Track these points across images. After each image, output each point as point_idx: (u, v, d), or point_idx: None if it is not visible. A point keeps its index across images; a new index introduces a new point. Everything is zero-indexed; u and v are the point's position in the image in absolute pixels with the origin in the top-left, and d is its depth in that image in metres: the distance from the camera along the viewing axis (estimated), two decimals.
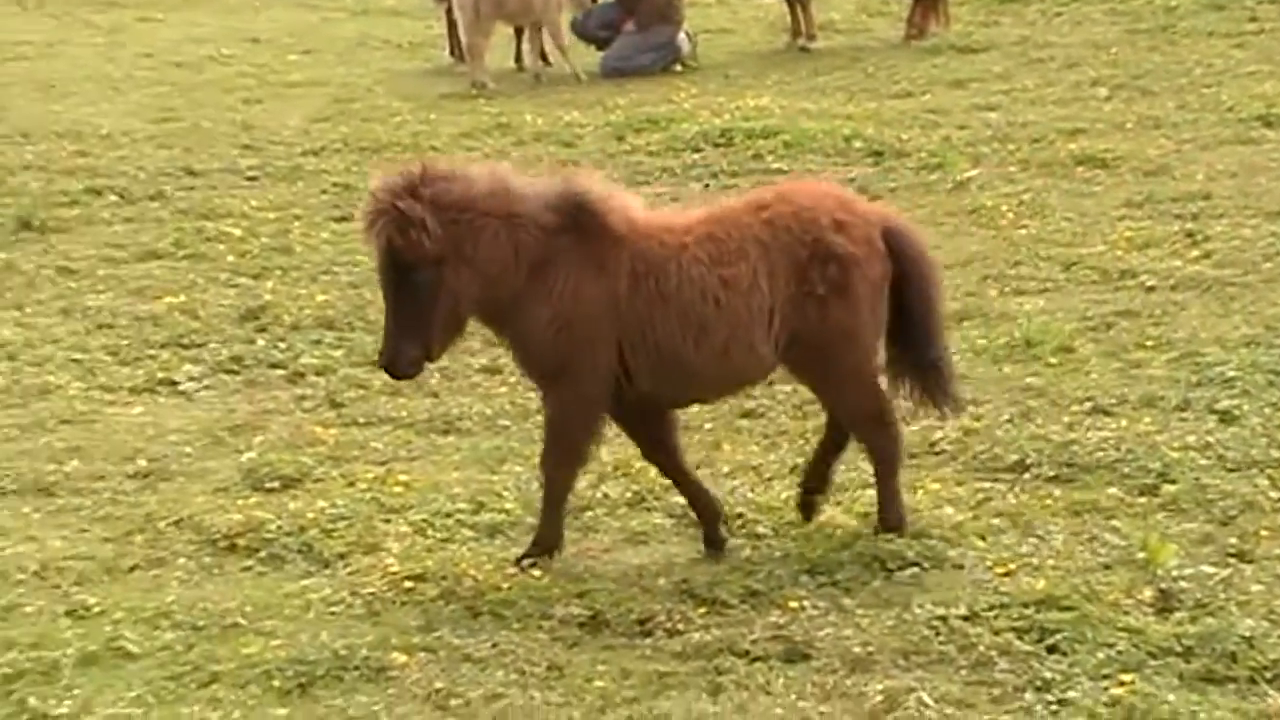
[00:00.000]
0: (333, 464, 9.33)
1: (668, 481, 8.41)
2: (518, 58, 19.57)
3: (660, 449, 8.27)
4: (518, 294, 7.86)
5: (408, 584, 7.87)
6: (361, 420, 10.00)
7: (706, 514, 8.24)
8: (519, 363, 8.23)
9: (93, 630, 7.48)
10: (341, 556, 8.23)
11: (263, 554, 8.29)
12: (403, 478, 8.98)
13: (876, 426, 8.14)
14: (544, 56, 19.17)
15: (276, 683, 7.03)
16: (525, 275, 7.84)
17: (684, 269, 7.90)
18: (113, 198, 14.20)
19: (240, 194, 14.45)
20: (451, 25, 19.48)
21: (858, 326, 8.00)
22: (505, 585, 7.77)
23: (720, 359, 7.96)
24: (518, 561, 8.01)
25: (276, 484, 9.06)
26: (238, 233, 13.27)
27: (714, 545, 8.17)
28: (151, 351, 11.04)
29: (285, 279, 12.32)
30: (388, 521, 8.53)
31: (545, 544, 8.05)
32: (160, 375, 10.64)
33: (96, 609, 7.72)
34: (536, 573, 7.86)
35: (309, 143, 16.03)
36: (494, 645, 7.26)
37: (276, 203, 14.15)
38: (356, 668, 7.13)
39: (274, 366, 10.81)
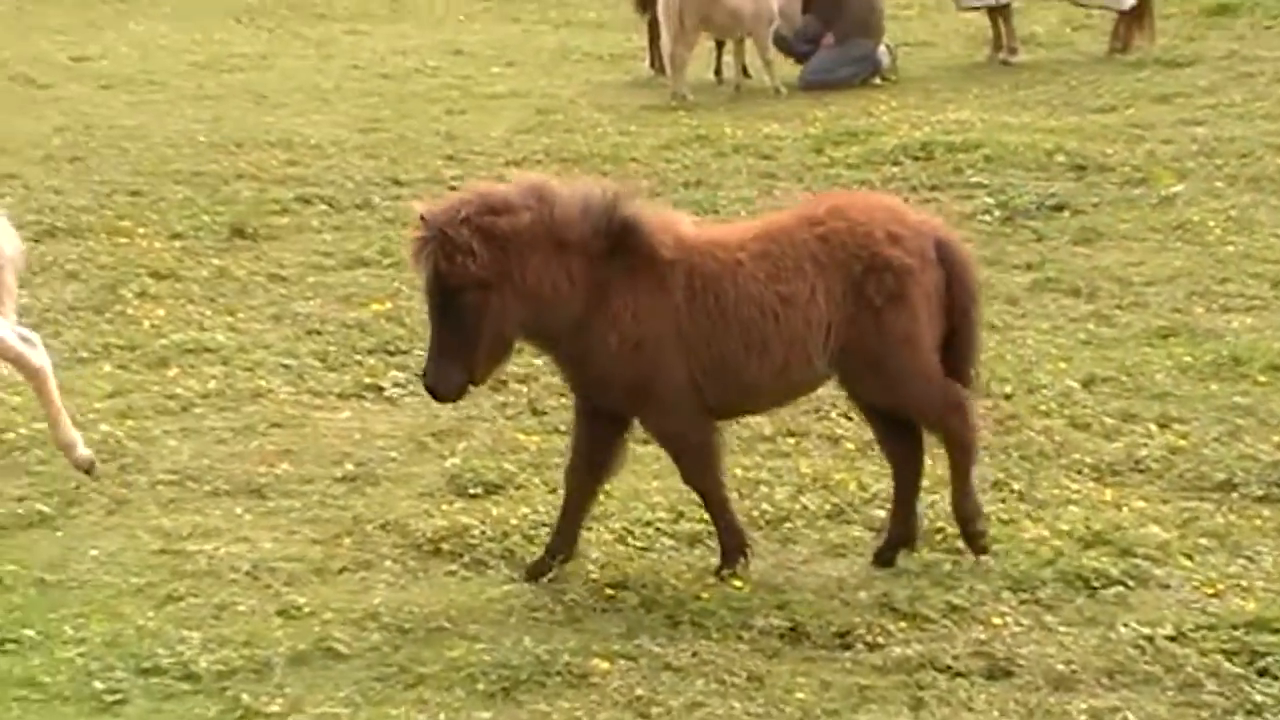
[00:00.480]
0: (534, 471, 9.43)
1: (867, 494, 8.39)
2: (717, 70, 19.63)
3: (590, 472, 8.32)
4: (578, 320, 7.91)
5: (609, 591, 7.94)
6: (563, 428, 10.06)
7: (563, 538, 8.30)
8: (593, 386, 8.16)
9: (303, 630, 7.65)
10: None
11: (466, 559, 8.41)
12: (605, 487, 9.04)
13: (953, 413, 8.13)
14: (744, 69, 19.22)
15: (481, 686, 7.14)
16: (583, 301, 7.89)
17: (741, 286, 7.95)
18: (322, 206, 14.46)
19: None
20: (653, 38, 19.59)
21: (916, 331, 8.02)
22: (705, 595, 7.82)
23: (780, 374, 8.04)
24: (717, 572, 8.06)
25: (479, 490, 9.18)
26: None
27: (719, 572, 8.19)
28: (358, 357, 11.23)
29: None
30: (588, 529, 8.60)
31: (734, 549, 8.11)
32: (367, 381, 10.81)
33: (306, 609, 7.88)
34: (738, 583, 7.89)
35: (511, 153, 16.21)
36: (694, 654, 7.31)
37: None
38: (558, 673, 7.21)
39: None
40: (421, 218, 7.83)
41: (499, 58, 20.33)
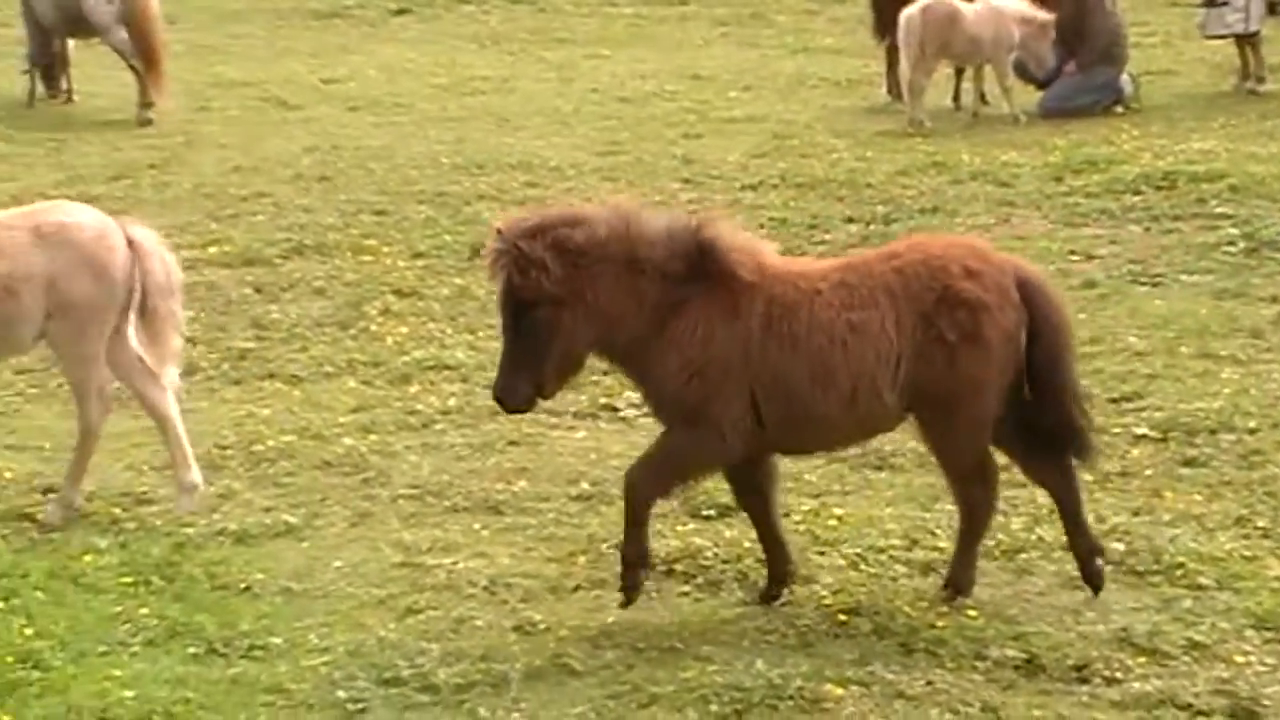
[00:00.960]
0: None
1: (1105, 526, 8.27)
2: (955, 96, 19.51)
3: (754, 495, 8.30)
4: (643, 339, 7.90)
5: (841, 617, 7.94)
6: None
7: (777, 573, 8.24)
8: (651, 406, 8.24)
9: (539, 646, 7.76)
10: None
11: (700, 580, 8.47)
12: (836, 511, 9.05)
13: (978, 483, 8.04)
14: (982, 95, 19.08)
15: (714, 707, 7.17)
16: (649, 321, 7.87)
17: (815, 314, 7.88)
18: None
19: None
20: (891, 63, 19.53)
21: (987, 375, 7.85)
22: (940, 623, 7.78)
23: (847, 406, 7.90)
24: (621, 589, 8.06)
25: (713, 512, 9.22)
26: None
27: (767, 600, 8.18)
28: (594, 377, 11.29)
29: None
30: (821, 554, 8.62)
31: (629, 559, 8.06)
32: (602, 401, 10.92)
33: (542, 625, 8.00)
34: (972, 612, 7.84)
35: (747, 177, 16.26)
36: (928, 683, 7.28)
37: None
38: (790, 697, 7.22)
39: None
40: (498, 231, 7.92)
41: (736, 82, 20.39)
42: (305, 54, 22.55)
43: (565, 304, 7.76)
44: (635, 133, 18.16)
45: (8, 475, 9.73)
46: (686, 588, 8.42)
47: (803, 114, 18.95)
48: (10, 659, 7.48)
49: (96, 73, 19.62)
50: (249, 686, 7.39)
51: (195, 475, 9.39)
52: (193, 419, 10.48)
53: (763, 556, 8.41)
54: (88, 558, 8.59)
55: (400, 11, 24.87)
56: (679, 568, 8.56)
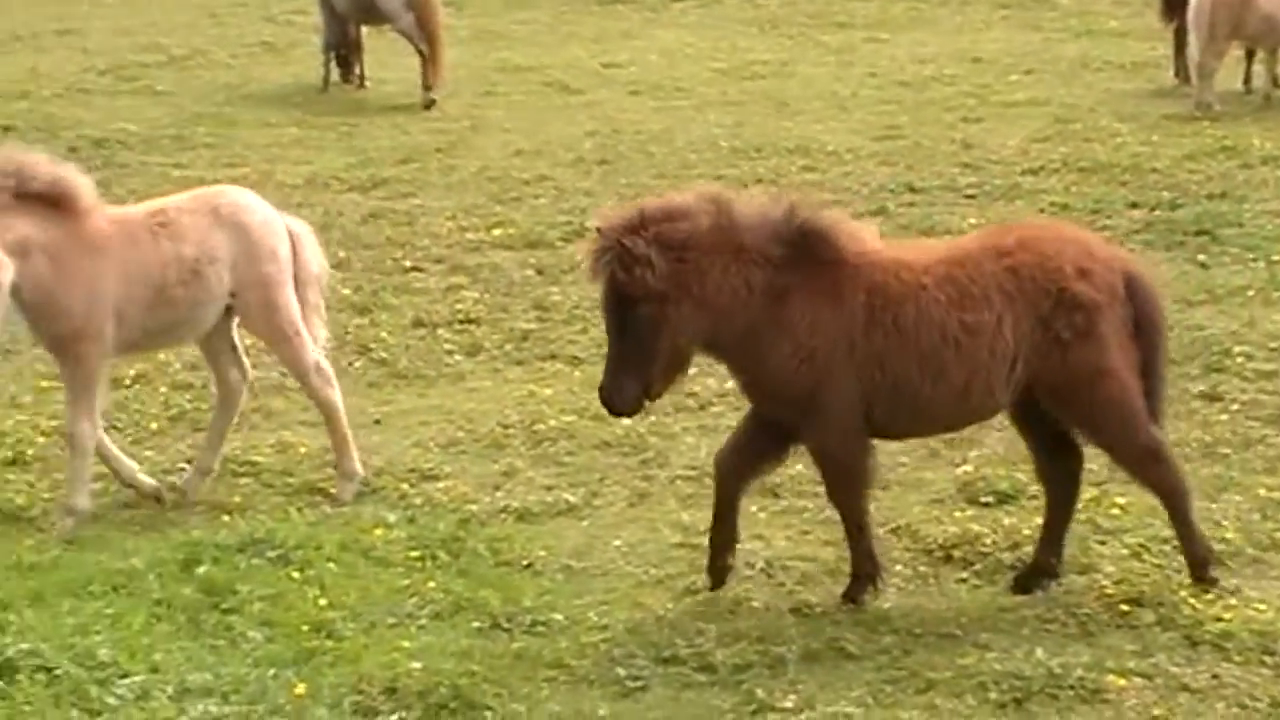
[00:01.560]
0: None
1: None
2: (1246, 79, 19.03)
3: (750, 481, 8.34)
4: (753, 327, 7.81)
5: (1123, 607, 7.86)
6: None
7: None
8: (760, 395, 8.10)
9: (815, 629, 7.80)
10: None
11: (977, 567, 8.44)
12: (1119, 500, 8.93)
13: (1151, 461, 7.94)
14: (1275, 79, 18.58)
15: (992, 695, 7.16)
16: (759, 308, 7.78)
17: (923, 309, 7.78)
18: None
19: (959, 210, 14.63)
20: (1178, 46, 19.13)
21: (1106, 363, 7.81)
22: (1226, 616, 7.65)
23: (958, 400, 7.86)
24: (844, 596, 8.03)
25: (991, 498, 9.19)
26: None
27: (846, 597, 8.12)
28: None
29: None
30: (1102, 543, 8.52)
31: (865, 576, 8.05)
32: None
33: (819, 609, 8.04)
34: (1260, 605, 7.69)
35: (1028, 162, 16.07)
36: (1214, 677, 7.18)
37: (994, 220, 14.24)
38: (1071, 687, 7.17)
39: None
40: (598, 229, 7.84)
41: (1017, 66, 20.15)
42: (588, 39, 22.81)
43: (671, 300, 7.70)
44: (914, 117, 18.04)
45: (302, 450, 10.04)
46: (964, 574, 8.40)
47: (1086, 98, 18.66)
48: (305, 628, 7.74)
49: (387, 59, 20.07)
50: (531, 661, 7.55)
51: (356, 464, 9.56)
52: (477, 398, 10.73)
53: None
54: (378, 531, 8.84)
55: None
56: (956, 554, 8.55)
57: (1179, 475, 8.09)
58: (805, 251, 7.83)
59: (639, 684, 7.40)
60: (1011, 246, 7.99)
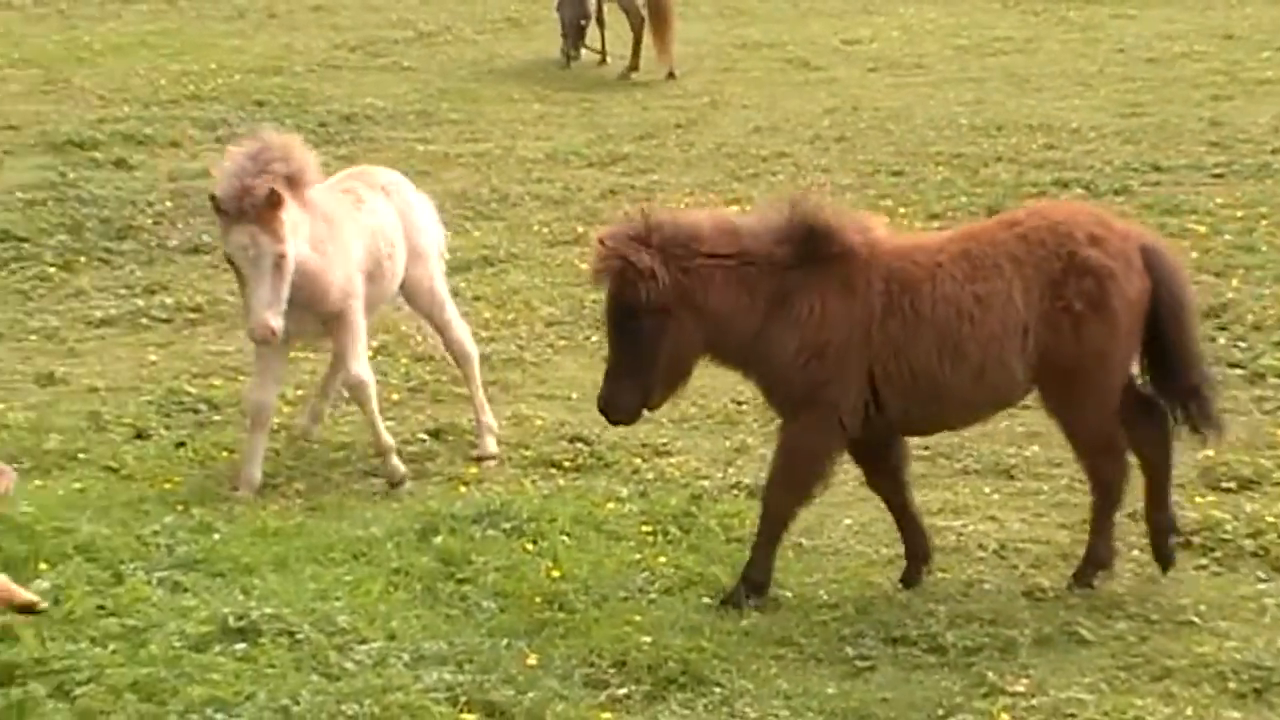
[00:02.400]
0: None
1: None
2: None
3: (887, 477, 8.15)
4: (759, 331, 7.72)
5: None
6: None
7: (917, 553, 8.11)
8: (766, 395, 8.05)
9: (1048, 613, 7.71)
10: None
11: (1218, 553, 8.29)
12: None
13: (1107, 455, 7.85)
14: None
15: (1231, 685, 7.03)
16: (764, 312, 7.69)
17: (938, 287, 7.65)
18: (1079, 190, 14.41)
19: (1205, 190, 14.34)
20: None
21: (1113, 346, 7.69)
22: None
23: (975, 381, 7.71)
24: (723, 601, 7.84)
25: (1233, 484, 9.03)
26: (1201, 229, 13.19)
27: (909, 584, 8.01)
28: None
29: (1248, 278, 12.14)
30: None
31: (753, 582, 7.87)
32: None
33: (1051, 593, 7.95)
34: None
35: (1278, 140, 15.68)
36: None
37: (1242, 200, 13.95)
38: None
39: (1233, 365, 10.70)
40: (600, 241, 7.77)
41: (1270, 42, 19.66)
42: (828, 15, 22.73)
43: (673, 312, 7.66)
44: (1160, 95, 17.70)
45: (537, 423, 10.18)
46: (1204, 561, 8.26)
47: None
48: (538, 599, 7.84)
49: (627, 35, 20.18)
50: (760, 638, 7.57)
51: (491, 417, 9.90)
52: (709, 374, 10.71)
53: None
54: (610, 505, 8.93)
55: None
56: (1196, 540, 8.39)
57: (1125, 476, 8.00)
58: (812, 249, 7.77)
59: (867, 663, 7.39)
60: (1022, 216, 7.96)
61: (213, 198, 9.01)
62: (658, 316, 7.69)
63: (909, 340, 7.75)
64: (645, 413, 8.04)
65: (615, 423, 8.19)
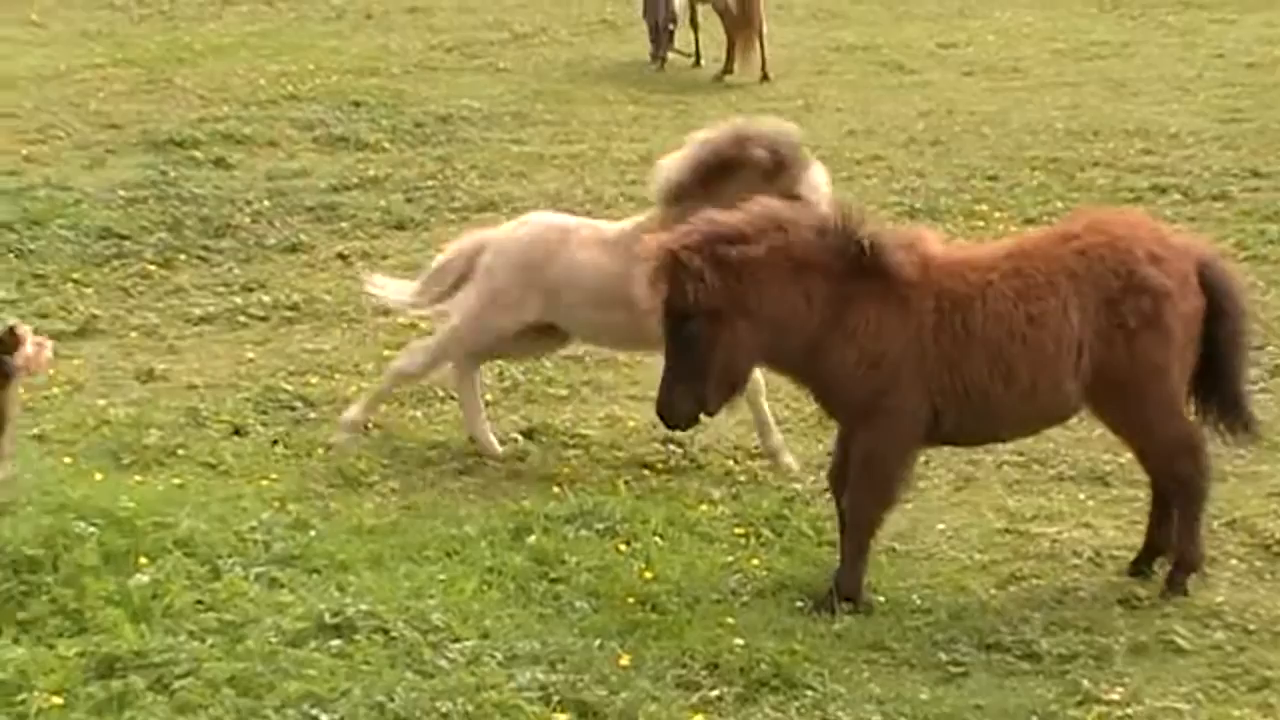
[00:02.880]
0: None
1: None
2: None
3: (843, 480, 8.11)
4: (815, 339, 7.73)
5: None
6: None
7: None
8: (824, 405, 8.09)
9: (1143, 621, 7.68)
10: None
11: None
12: None
13: (1188, 456, 7.82)
14: None
15: None
16: (821, 318, 7.70)
17: (989, 305, 7.64)
18: (1177, 196, 14.32)
19: None
20: None
21: (1168, 361, 7.68)
22: None
23: (1027, 398, 7.72)
24: (815, 607, 7.83)
25: None
26: None
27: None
28: None
29: None
30: None
31: (846, 590, 7.87)
32: None
33: (1147, 600, 7.90)
34: None
35: None
36: None
37: None
38: None
39: None
40: (654, 246, 7.75)
41: None
42: (923, 19, 22.64)
43: (725, 317, 7.66)
44: (1260, 100, 17.53)
45: (630, 424, 10.20)
46: None
47: None
48: (631, 600, 7.87)
49: (722, 36, 20.17)
50: (853, 642, 7.57)
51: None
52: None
53: None
54: (703, 507, 8.95)
55: None
56: None
57: (1208, 475, 8.00)
58: (866, 263, 7.77)
59: (961, 669, 7.37)
60: (1080, 230, 7.92)
61: None
62: (709, 321, 7.71)
63: (961, 357, 7.78)
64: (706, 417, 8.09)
65: (672, 428, 8.26)
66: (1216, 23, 21.40)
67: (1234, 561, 8.26)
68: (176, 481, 9.16)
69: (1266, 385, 10.50)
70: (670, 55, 20.23)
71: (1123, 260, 7.74)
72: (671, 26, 20.14)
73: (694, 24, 20.30)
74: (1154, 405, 7.85)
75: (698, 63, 20.32)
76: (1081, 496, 9.14)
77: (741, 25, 19.38)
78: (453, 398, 10.54)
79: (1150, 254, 7.76)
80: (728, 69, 19.64)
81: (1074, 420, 9.95)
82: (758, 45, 19.48)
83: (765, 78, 19.50)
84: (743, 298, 7.71)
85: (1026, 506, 8.99)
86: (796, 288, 7.77)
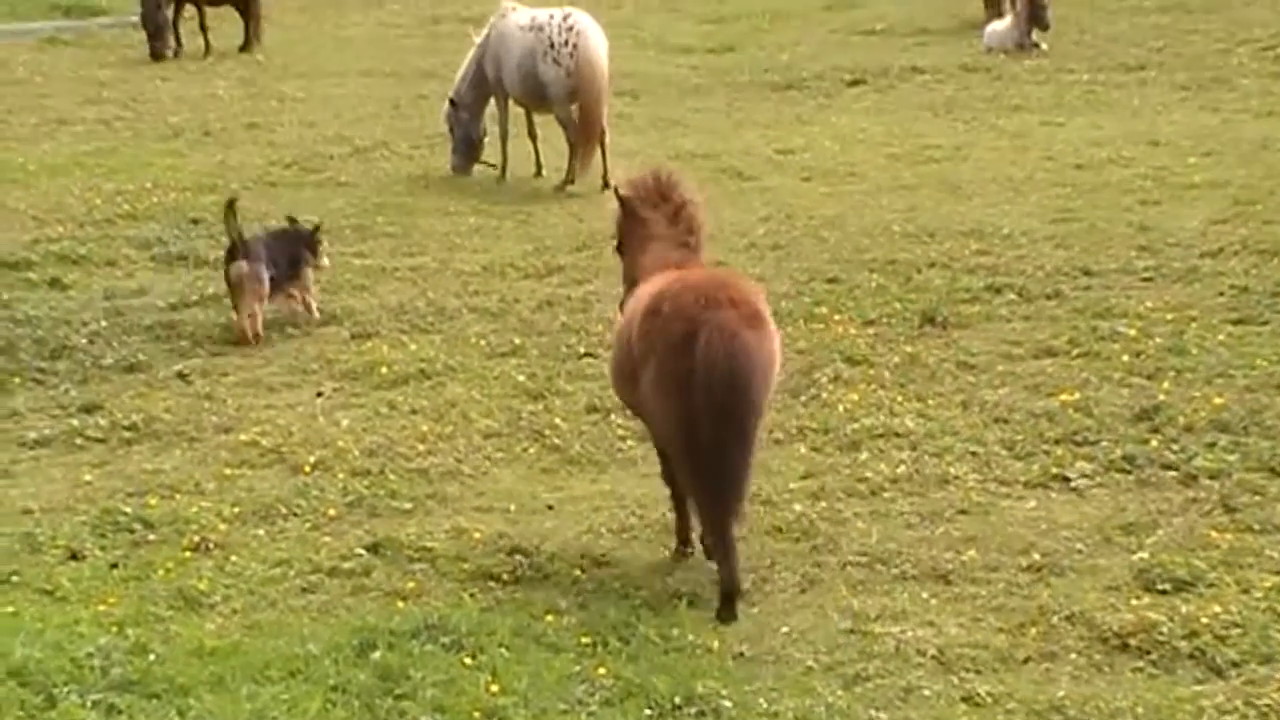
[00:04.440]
0: (1226, 569, 9.25)
1: None
2: None
3: None
4: None
5: None
6: (1257, 526, 9.85)
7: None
8: None
9: (987, 718, 7.74)
10: (1235, 665, 8.16)
11: (1154, 656, 8.34)
12: None
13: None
14: None
15: None
16: None
17: None
18: (1011, 295, 14.54)
19: (1135, 294, 14.48)
20: None
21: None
22: None
23: None
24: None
25: (1168, 586, 9.07)
26: (1132, 332, 13.32)
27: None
28: (1045, 446, 11.25)
29: (1180, 380, 12.27)
30: None
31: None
32: (1053, 470, 10.82)
33: (989, 697, 7.98)
34: None
35: (1206, 244, 15.84)
36: None
37: (1172, 303, 14.10)
38: None
39: (1166, 467, 10.79)
40: None
41: (1196, 148, 19.90)
42: (762, 125, 22.89)
43: None
44: (1090, 200, 17.89)
45: (475, 535, 10.16)
46: (1140, 663, 8.32)
47: (1267, 180, 18.37)
48: (477, 714, 7.82)
49: (562, 146, 20.29)
50: None
51: None
52: (649, 483, 10.78)
53: (1222, 633, 8.28)
54: (549, 617, 8.92)
55: (855, 82, 24.99)
56: (1132, 642, 8.46)
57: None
58: None
59: None
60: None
61: None
62: None
63: None
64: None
65: None
66: (1046, 125, 21.83)
67: (1074, 655, 8.36)
68: (10, 609, 8.99)
69: (1102, 480, 10.69)
70: (476, 167, 20.32)
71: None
72: (482, 137, 20.26)
73: (532, 135, 20.41)
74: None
75: (539, 172, 20.42)
76: (924, 595, 9.22)
77: (583, 135, 19.51)
78: (295, 513, 10.46)
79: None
80: (569, 179, 19.76)
81: (916, 520, 10.20)
82: (599, 154, 19.61)
83: (607, 186, 19.61)
84: None
85: (871, 606, 9.05)
86: None
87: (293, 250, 14.63)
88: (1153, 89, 23.90)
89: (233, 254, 14.12)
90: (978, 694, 8.00)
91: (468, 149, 20.30)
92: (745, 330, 8.93)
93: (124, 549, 10.09)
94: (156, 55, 27.78)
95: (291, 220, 15.22)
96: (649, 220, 10.02)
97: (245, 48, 28.54)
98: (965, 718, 7.74)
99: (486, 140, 20.35)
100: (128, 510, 10.59)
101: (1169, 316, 13.68)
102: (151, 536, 10.27)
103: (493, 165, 20.29)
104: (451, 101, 20.29)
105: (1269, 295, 14.10)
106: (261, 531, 10.36)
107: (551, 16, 19.70)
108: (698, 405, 8.75)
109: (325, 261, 15.02)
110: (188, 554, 10.01)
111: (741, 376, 8.82)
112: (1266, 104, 22.50)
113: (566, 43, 19.42)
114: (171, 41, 28.10)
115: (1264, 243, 15.65)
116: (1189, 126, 19.56)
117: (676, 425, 8.95)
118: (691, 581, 9.45)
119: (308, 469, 11.26)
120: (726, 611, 9.01)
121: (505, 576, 9.64)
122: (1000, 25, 26.88)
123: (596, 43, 19.56)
